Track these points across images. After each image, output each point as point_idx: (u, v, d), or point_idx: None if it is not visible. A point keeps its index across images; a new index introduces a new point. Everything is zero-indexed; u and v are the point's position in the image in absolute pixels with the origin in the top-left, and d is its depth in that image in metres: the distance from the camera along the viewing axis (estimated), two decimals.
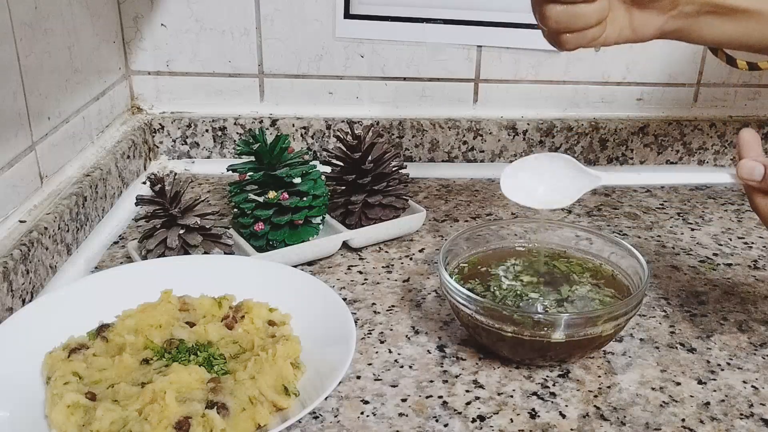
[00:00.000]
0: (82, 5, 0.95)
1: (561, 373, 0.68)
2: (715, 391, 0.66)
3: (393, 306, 0.79)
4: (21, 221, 0.79)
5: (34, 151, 0.83)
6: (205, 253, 0.80)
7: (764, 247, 0.92)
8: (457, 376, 0.68)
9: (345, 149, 0.91)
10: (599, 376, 0.68)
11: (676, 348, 0.72)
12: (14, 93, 0.79)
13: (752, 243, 0.93)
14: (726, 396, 0.66)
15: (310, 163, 0.89)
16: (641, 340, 0.74)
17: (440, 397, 0.65)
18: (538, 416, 0.63)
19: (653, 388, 0.67)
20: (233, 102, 1.14)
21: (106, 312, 0.71)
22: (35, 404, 0.61)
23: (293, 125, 1.13)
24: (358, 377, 0.67)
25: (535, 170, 0.72)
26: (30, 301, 0.75)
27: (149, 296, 0.72)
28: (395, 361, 0.70)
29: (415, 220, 0.92)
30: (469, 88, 1.14)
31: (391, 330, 0.74)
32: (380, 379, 0.67)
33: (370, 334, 0.74)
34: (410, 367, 0.69)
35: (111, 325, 0.69)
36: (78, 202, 0.87)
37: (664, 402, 0.65)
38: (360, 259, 0.88)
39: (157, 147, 1.14)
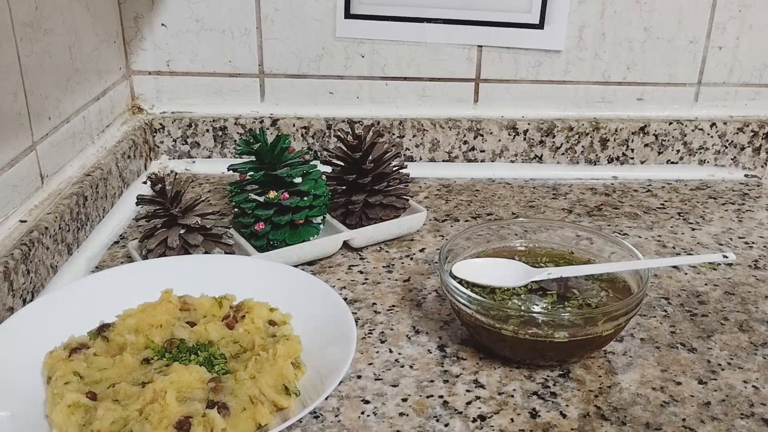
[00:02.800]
0: (82, 5, 0.95)
1: (561, 372, 0.68)
2: (715, 390, 0.66)
3: (393, 306, 0.79)
4: (22, 221, 0.79)
5: (34, 150, 0.83)
6: (206, 252, 0.80)
7: (765, 246, 0.92)
8: (457, 376, 0.68)
9: (345, 149, 0.91)
10: (600, 376, 0.68)
11: (677, 348, 0.72)
12: (15, 93, 0.79)
13: (753, 243, 0.93)
14: (727, 396, 0.66)
15: (311, 162, 0.89)
16: (642, 339, 0.73)
17: (441, 396, 0.65)
18: (539, 416, 0.63)
19: (654, 388, 0.67)
20: (234, 102, 1.14)
21: (107, 312, 0.71)
22: (36, 404, 0.61)
23: (294, 125, 1.13)
24: (359, 377, 0.67)
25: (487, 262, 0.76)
26: (31, 300, 0.75)
27: (150, 296, 0.72)
28: (396, 360, 0.70)
29: (415, 219, 0.92)
30: (469, 88, 1.14)
31: (392, 330, 0.74)
32: (381, 379, 0.67)
33: (371, 333, 0.74)
34: (411, 366, 0.69)
35: (111, 324, 0.69)
36: (79, 202, 0.87)
37: (664, 402, 0.65)
38: (360, 258, 0.88)
39: (158, 147, 1.14)
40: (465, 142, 1.14)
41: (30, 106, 0.82)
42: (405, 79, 1.14)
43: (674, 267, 0.86)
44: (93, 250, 0.88)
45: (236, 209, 0.87)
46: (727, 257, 0.73)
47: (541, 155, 1.15)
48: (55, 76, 0.88)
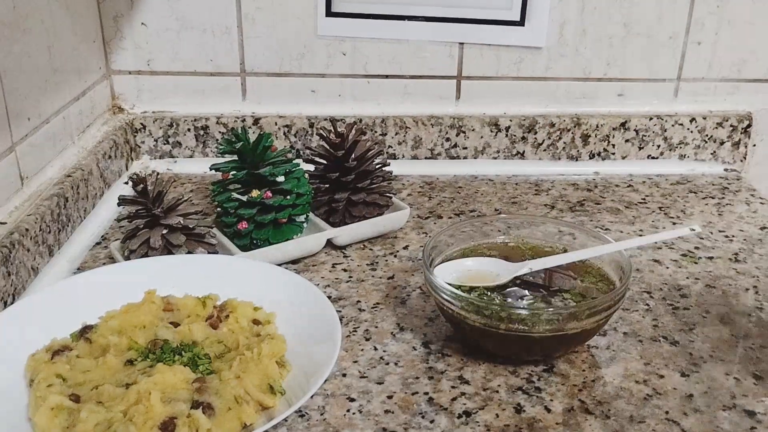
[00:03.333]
0: (61, 5, 0.94)
1: (546, 367, 0.69)
2: (697, 383, 0.67)
3: (378, 303, 0.79)
4: (2, 223, 0.78)
5: (14, 152, 0.83)
6: (189, 252, 0.80)
7: (745, 240, 0.93)
8: (442, 373, 0.68)
9: (328, 147, 0.91)
10: (583, 370, 0.68)
11: (659, 341, 0.73)
12: None
13: (733, 236, 0.94)
14: (709, 388, 0.66)
15: (294, 161, 0.89)
16: (625, 333, 0.74)
17: (426, 393, 0.65)
18: (524, 411, 0.63)
19: (637, 381, 0.67)
20: (215, 101, 1.14)
21: (90, 313, 0.70)
22: (18, 407, 0.60)
23: (276, 124, 1.13)
24: (344, 375, 0.67)
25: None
26: (12, 303, 0.74)
27: (133, 297, 0.72)
28: (381, 358, 0.70)
29: (399, 217, 0.92)
30: (451, 85, 1.14)
31: (376, 327, 0.74)
32: (366, 377, 0.67)
33: (356, 331, 0.74)
34: (396, 364, 0.69)
35: (94, 326, 0.69)
36: (59, 203, 0.86)
37: (647, 395, 0.65)
38: (344, 257, 0.88)
39: (139, 147, 1.13)
40: (447, 139, 1.14)
41: (9, 107, 0.81)
42: (387, 76, 1.14)
43: (656, 261, 0.87)
44: (75, 251, 0.88)
45: (219, 209, 0.86)
46: (694, 230, 0.74)
47: (523, 151, 1.15)
48: (34, 76, 0.87)
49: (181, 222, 0.81)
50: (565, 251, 0.77)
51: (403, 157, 1.15)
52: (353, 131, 0.92)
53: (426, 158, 1.15)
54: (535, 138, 1.14)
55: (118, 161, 1.06)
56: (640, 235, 0.94)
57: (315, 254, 0.88)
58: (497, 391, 0.65)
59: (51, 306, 0.70)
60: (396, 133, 1.14)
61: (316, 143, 1.11)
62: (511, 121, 1.13)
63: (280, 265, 0.80)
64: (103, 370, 0.63)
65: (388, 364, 0.69)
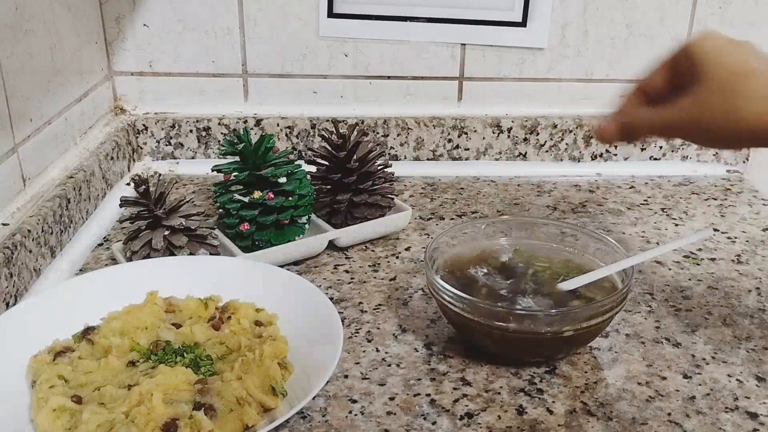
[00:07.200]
0: (63, 6, 0.94)
1: (548, 369, 0.69)
2: (700, 385, 0.67)
3: (380, 305, 0.79)
4: (4, 224, 0.78)
5: (16, 153, 0.83)
6: (191, 254, 0.80)
7: (747, 241, 0.93)
8: (444, 374, 0.68)
9: (330, 148, 0.91)
10: (586, 372, 0.68)
11: (662, 343, 0.73)
12: None
13: (735, 237, 0.94)
14: (711, 390, 0.66)
15: (295, 162, 0.89)
16: (627, 335, 0.74)
17: (428, 395, 0.65)
18: (526, 413, 0.63)
19: (639, 383, 0.67)
20: (217, 102, 1.14)
21: (92, 314, 0.70)
22: (20, 409, 0.60)
23: (278, 125, 1.13)
24: (346, 376, 0.67)
25: None
26: (14, 304, 0.74)
27: (135, 298, 0.72)
28: (383, 359, 0.70)
29: (401, 218, 0.92)
30: (453, 86, 1.14)
31: (378, 329, 0.74)
32: (368, 378, 0.67)
33: (358, 333, 0.74)
34: (398, 365, 0.69)
35: (96, 327, 0.69)
36: (61, 204, 0.86)
37: (650, 396, 0.65)
38: (346, 258, 0.88)
39: (141, 148, 1.13)
40: (449, 141, 1.14)
41: (11, 108, 0.81)
42: (389, 77, 1.14)
43: (658, 262, 0.87)
44: (76, 252, 0.88)
45: (221, 210, 0.86)
46: (716, 231, 0.69)
47: (526, 153, 1.15)
48: (36, 77, 0.87)
49: (183, 223, 0.81)
50: (572, 258, 0.77)
51: (405, 158, 1.15)
52: (355, 132, 0.92)
53: (428, 159, 1.15)
54: (537, 139, 1.14)
55: (120, 162, 1.06)
56: (642, 237, 0.93)
57: (317, 255, 0.88)
58: (499, 393, 0.65)
59: (53, 307, 0.70)
60: (398, 135, 1.14)
61: (318, 144, 1.11)
62: (513, 122, 1.13)
63: (282, 266, 0.80)
64: (105, 372, 0.63)
65: (390, 365, 0.69)
